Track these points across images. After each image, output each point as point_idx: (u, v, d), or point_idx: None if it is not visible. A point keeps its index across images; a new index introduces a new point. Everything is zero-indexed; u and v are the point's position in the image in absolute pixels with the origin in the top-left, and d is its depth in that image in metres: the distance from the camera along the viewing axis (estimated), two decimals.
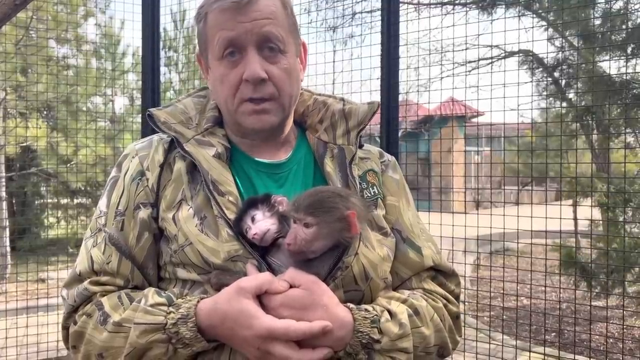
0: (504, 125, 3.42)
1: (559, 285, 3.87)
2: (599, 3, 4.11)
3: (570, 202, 5.31)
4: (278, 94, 1.15)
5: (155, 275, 1.15)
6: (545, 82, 5.15)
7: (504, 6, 5.24)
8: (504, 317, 4.62)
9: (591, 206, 4.20)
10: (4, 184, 6.67)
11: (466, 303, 5.45)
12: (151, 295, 1.03)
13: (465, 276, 3.68)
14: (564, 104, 4.91)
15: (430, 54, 3.94)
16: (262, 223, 1.04)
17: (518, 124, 4.23)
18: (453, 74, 4.06)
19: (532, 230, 3.13)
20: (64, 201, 8.53)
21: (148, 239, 1.13)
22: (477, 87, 3.36)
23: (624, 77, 4.13)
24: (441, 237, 2.97)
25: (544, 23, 4.96)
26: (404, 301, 1.11)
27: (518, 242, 3.62)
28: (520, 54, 5.40)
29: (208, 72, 1.23)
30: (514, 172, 4.88)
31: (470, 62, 5.10)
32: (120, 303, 1.06)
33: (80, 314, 1.09)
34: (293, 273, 1.01)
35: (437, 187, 3.80)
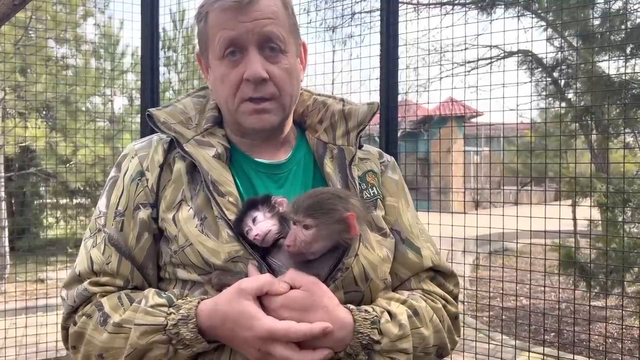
0: (503, 126, 3.42)
1: (558, 286, 3.86)
2: (598, 3, 4.10)
3: (569, 202, 5.30)
4: (279, 94, 1.15)
5: (155, 275, 1.15)
6: (544, 82, 5.14)
7: (503, 6, 5.24)
8: (503, 317, 4.63)
9: (590, 206, 4.19)
10: (3, 184, 6.66)
11: (465, 303, 5.45)
12: (151, 296, 1.03)
13: (464, 276, 3.69)
14: (563, 104, 4.91)
15: (429, 54, 3.94)
16: (263, 224, 1.04)
17: (517, 124, 4.24)
18: (452, 74, 4.05)
19: (531, 230, 3.13)
20: (63, 201, 8.52)
21: (148, 240, 1.13)
22: (477, 87, 3.37)
23: (623, 77, 4.13)
24: (440, 237, 2.97)
25: (543, 23, 4.95)
26: (403, 302, 1.11)
27: (517, 242, 3.63)
28: (520, 54, 5.40)
29: (208, 72, 1.22)
30: (513, 172, 4.88)
31: (469, 62, 5.10)
32: (120, 304, 1.06)
33: (80, 315, 1.08)
34: (293, 274, 1.01)
35: (436, 187, 3.80)
